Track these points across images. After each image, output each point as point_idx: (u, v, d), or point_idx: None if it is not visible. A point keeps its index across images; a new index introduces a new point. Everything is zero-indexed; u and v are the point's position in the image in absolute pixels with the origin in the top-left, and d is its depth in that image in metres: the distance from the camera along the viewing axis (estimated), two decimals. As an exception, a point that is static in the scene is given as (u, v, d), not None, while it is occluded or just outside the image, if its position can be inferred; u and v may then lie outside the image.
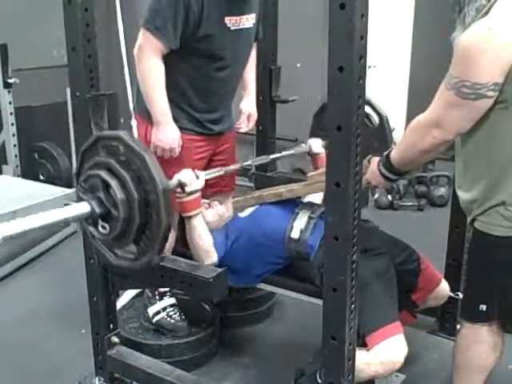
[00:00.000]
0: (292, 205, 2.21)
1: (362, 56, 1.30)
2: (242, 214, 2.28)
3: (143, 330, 2.48)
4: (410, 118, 5.48)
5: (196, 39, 2.18)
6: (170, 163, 2.28)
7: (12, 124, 4.32)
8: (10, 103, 4.27)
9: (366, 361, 1.85)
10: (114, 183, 1.55)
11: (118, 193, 1.55)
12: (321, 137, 2.42)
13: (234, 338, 2.63)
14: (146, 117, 2.30)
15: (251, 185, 2.95)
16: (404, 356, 1.87)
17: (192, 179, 1.96)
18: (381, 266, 2.01)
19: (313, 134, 2.48)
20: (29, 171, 4.47)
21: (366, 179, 1.94)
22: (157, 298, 2.48)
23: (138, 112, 2.42)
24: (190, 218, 2.03)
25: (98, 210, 1.57)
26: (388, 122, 2.30)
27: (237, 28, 2.26)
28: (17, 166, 4.39)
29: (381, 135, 2.24)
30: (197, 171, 2.01)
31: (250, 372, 2.39)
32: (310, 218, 2.12)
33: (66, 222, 1.63)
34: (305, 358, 2.18)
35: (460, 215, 2.46)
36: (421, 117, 1.73)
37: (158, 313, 2.46)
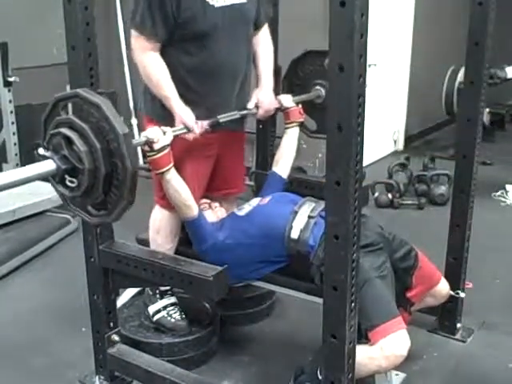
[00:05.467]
0: (291, 203, 2.21)
1: (363, 55, 1.30)
2: (240, 213, 2.27)
3: (143, 328, 2.47)
4: (410, 117, 5.50)
5: (180, 23, 2.15)
6: (183, 159, 2.25)
7: (12, 122, 4.31)
8: (10, 102, 4.27)
9: (370, 355, 1.85)
10: (74, 136, 1.57)
11: (80, 145, 1.56)
12: (292, 93, 2.56)
13: (234, 337, 2.63)
14: (155, 117, 2.28)
15: (251, 183, 2.95)
16: (407, 350, 1.87)
17: (159, 136, 1.97)
18: (380, 261, 2.02)
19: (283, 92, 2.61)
20: (29, 170, 4.47)
21: None
22: (157, 296, 2.48)
23: (145, 113, 2.38)
24: (162, 174, 2.05)
25: (63, 165, 1.59)
26: None
27: (223, 5, 2.20)
28: (17, 165, 4.38)
29: None
30: (163, 127, 2.03)
31: (250, 370, 2.39)
32: (309, 217, 2.12)
33: (31, 181, 1.64)
34: (305, 356, 2.18)
35: (460, 214, 2.47)
36: None
37: (158, 311, 2.46)
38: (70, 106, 1.68)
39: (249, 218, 2.23)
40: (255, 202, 2.30)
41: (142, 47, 2.17)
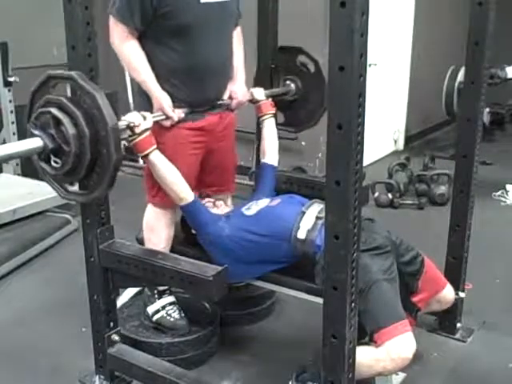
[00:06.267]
0: (299, 204, 2.21)
1: (363, 54, 1.30)
2: (248, 212, 2.26)
3: (143, 328, 2.47)
4: (410, 117, 5.51)
5: (161, 15, 2.16)
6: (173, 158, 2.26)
7: (12, 122, 4.32)
8: (11, 102, 4.27)
9: (376, 357, 1.86)
10: (65, 119, 1.60)
11: (70, 128, 1.60)
12: (265, 87, 2.66)
13: (234, 337, 2.63)
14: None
15: (251, 183, 2.94)
16: (413, 353, 1.88)
17: (140, 120, 2.03)
18: (387, 264, 2.03)
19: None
20: (29, 170, 4.46)
21: None
22: (156, 296, 2.47)
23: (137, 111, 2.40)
24: (147, 156, 2.09)
25: (50, 144, 1.62)
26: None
27: (209, 1, 2.20)
28: (17, 165, 4.38)
29: (317, 80, 2.65)
30: (143, 112, 2.08)
31: (250, 370, 2.39)
32: (317, 217, 2.12)
33: (19, 156, 1.69)
34: (305, 356, 2.18)
35: (460, 214, 2.47)
36: None
37: (157, 311, 2.46)
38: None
39: (257, 217, 2.22)
40: (264, 203, 2.29)
41: (120, 34, 2.21)
